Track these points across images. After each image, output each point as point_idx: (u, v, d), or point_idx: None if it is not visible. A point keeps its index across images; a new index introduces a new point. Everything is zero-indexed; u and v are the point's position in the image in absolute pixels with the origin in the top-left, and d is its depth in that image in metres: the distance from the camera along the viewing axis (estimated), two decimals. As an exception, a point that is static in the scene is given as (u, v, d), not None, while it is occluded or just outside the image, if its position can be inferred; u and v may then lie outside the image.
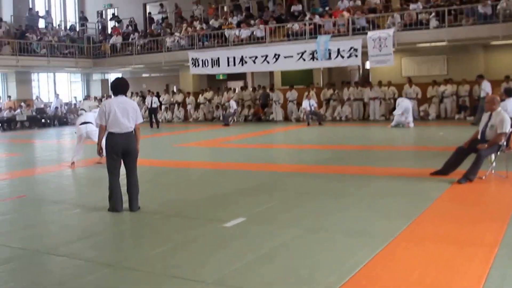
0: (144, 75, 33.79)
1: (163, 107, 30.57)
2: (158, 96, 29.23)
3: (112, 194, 7.71)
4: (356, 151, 14.52)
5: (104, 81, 35.09)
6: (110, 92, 8.21)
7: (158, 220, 7.27)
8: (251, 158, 13.77)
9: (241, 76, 30.22)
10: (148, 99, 26.23)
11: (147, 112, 26.70)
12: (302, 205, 7.86)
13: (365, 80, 26.88)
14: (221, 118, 27.49)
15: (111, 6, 35.38)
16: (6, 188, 10.53)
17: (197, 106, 29.83)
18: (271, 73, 28.75)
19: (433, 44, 22.85)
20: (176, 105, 30.46)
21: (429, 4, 23.23)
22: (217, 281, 4.75)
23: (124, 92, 7.83)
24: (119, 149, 7.61)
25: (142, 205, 7.82)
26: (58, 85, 34.46)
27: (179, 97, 30.46)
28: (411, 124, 20.78)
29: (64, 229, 7.05)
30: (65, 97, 33.63)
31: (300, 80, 27.16)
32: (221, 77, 30.79)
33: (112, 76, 35.69)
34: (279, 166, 12.23)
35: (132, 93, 30.64)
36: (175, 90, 31.48)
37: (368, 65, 25.84)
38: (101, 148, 7.84)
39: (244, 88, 29.22)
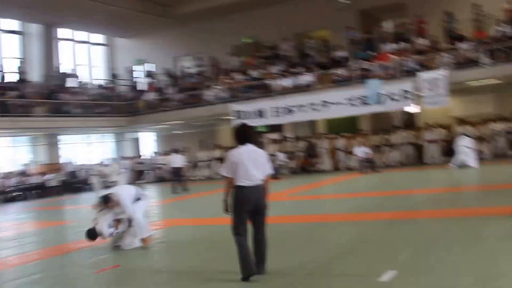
0: (174, 132, 34.10)
1: (202, 163, 30.86)
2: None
3: (245, 259, 7.05)
4: (444, 194, 15.00)
5: (135, 140, 35.57)
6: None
7: (302, 283, 6.95)
8: (337, 209, 13.95)
9: (279, 128, 30.61)
10: (172, 158, 24.18)
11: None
12: (441, 251, 7.89)
13: (409, 123, 27.22)
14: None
15: (142, 62, 36.16)
16: (93, 257, 9.87)
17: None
18: (312, 122, 29.10)
19: (485, 82, 23.25)
20: (215, 161, 30.72)
21: (477, 42, 23.73)
22: None
23: (251, 140, 7.31)
24: (250, 205, 7.10)
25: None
26: (88, 147, 35.00)
27: (217, 153, 30.79)
28: (475, 164, 20.98)
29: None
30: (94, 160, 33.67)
31: (345, 127, 27.57)
32: (263, 129, 31.17)
33: (144, 135, 36.17)
34: (375, 215, 12.30)
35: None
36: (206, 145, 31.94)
37: (409, 109, 26.26)
38: (227, 205, 7.23)
39: (282, 139, 29.50)
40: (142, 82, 36.14)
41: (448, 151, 24.93)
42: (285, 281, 7.00)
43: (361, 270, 7.26)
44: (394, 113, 28.56)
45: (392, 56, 25.29)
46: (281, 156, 26.48)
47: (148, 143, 36.69)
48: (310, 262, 7.91)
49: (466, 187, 16.06)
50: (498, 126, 24.32)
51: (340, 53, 27.82)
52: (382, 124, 28.07)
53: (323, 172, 26.75)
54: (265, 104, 26.45)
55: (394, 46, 26.24)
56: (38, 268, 9.44)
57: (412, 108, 25.56)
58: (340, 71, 26.20)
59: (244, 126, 7.50)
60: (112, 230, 10.01)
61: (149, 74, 35.45)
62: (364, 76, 25.10)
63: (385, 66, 25.19)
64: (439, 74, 22.60)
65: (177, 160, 23.43)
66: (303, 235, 10.38)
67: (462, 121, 24.62)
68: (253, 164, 7.09)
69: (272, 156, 27.75)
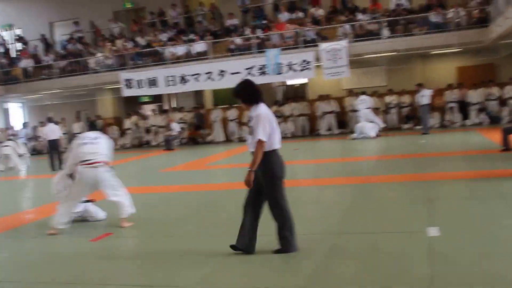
0: (47, 102, 31.89)
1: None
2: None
3: (292, 228, 6.35)
4: (380, 161, 15.22)
5: (5, 111, 33.05)
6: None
7: (348, 245, 6.60)
8: (297, 175, 13.35)
9: (159, 99, 29.89)
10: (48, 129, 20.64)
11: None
12: (466, 209, 7.97)
13: (300, 95, 27.37)
14: (153, 143, 28.02)
15: (11, 26, 33.49)
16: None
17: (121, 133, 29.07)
18: (197, 93, 28.44)
19: (384, 54, 23.90)
20: (95, 132, 29.30)
21: (377, 14, 24.18)
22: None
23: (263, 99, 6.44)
24: (285, 170, 6.40)
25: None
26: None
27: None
28: (375, 135, 21.48)
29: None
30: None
31: (232, 98, 27.06)
32: (146, 99, 30.20)
33: (10, 105, 33.67)
34: (334, 180, 12.11)
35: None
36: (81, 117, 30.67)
37: (292, 81, 26.53)
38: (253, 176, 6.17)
39: (162, 110, 28.91)
40: (14, 48, 33.60)
41: (341, 123, 25.50)
42: (329, 246, 6.56)
43: (401, 228, 7.07)
44: (276, 86, 28.34)
45: (289, 25, 25.19)
46: (176, 127, 25.60)
47: (16, 114, 34.12)
48: (334, 225, 7.60)
49: (391, 155, 16.27)
50: (393, 99, 25.05)
51: (231, 21, 27.30)
52: (268, 95, 27.91)
53: (214, 143, 26.41)
54: (157, 72, 25.51)
55: (288, 15, 26.14)
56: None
57: (302, 80, 25.88)
58: (237, 40, 25.69)
59: (253, 82, 6.52)
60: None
61: (20, 40, 32.86)
62: (261, 45, 24.84)
63: (283, 36, 25.03)
64: (340, 45, 22.82)
65: (53, 132, 20.37)
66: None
67: (354, 94, 25.00)
68: (277, 124, 6.31)
69: (162, 127, 27.10)
